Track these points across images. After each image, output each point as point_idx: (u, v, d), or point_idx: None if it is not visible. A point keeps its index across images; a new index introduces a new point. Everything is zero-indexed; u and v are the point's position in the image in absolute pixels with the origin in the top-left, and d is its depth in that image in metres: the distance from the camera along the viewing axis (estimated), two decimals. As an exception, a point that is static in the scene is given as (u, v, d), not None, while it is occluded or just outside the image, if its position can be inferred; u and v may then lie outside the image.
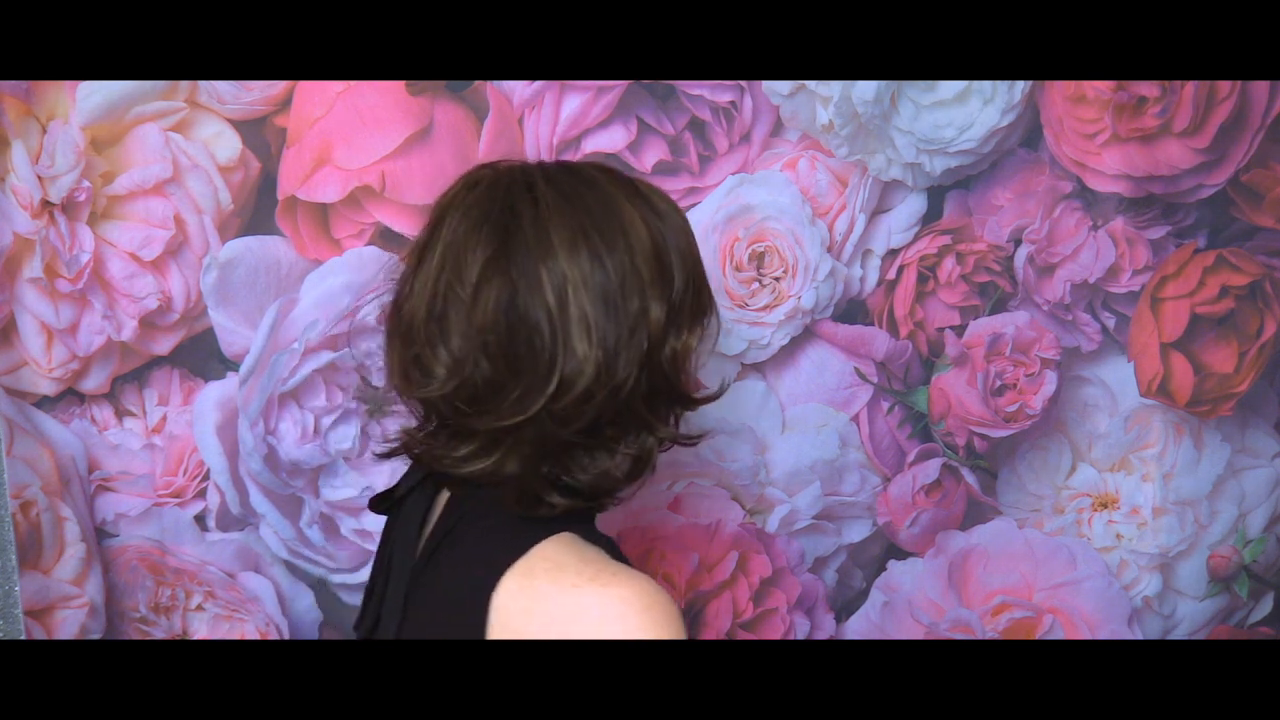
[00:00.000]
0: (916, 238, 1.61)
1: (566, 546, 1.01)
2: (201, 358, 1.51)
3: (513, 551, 1.00)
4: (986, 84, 1.58)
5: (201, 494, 1.52)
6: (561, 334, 0.99)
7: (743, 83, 1.55)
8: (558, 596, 0.98)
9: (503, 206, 1.02)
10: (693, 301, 1.05)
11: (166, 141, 1.46)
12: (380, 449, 1.14)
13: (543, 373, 0.99)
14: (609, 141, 1.53)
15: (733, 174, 1.57)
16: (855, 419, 1.63)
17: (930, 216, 1.62)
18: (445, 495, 1.10)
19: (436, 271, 1.02)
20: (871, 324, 1.62)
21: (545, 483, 1.03)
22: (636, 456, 1.05)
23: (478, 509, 1.05)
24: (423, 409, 1.07)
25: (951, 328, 1.64)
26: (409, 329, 1.03)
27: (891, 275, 1.62)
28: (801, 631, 1.64)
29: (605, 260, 1.01)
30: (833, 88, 1.55)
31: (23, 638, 1.41)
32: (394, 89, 1.48)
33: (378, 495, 1.16)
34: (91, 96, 1.43)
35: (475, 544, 1.03)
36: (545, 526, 1.02)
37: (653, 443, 1.05)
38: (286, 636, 1.54)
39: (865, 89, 1.55)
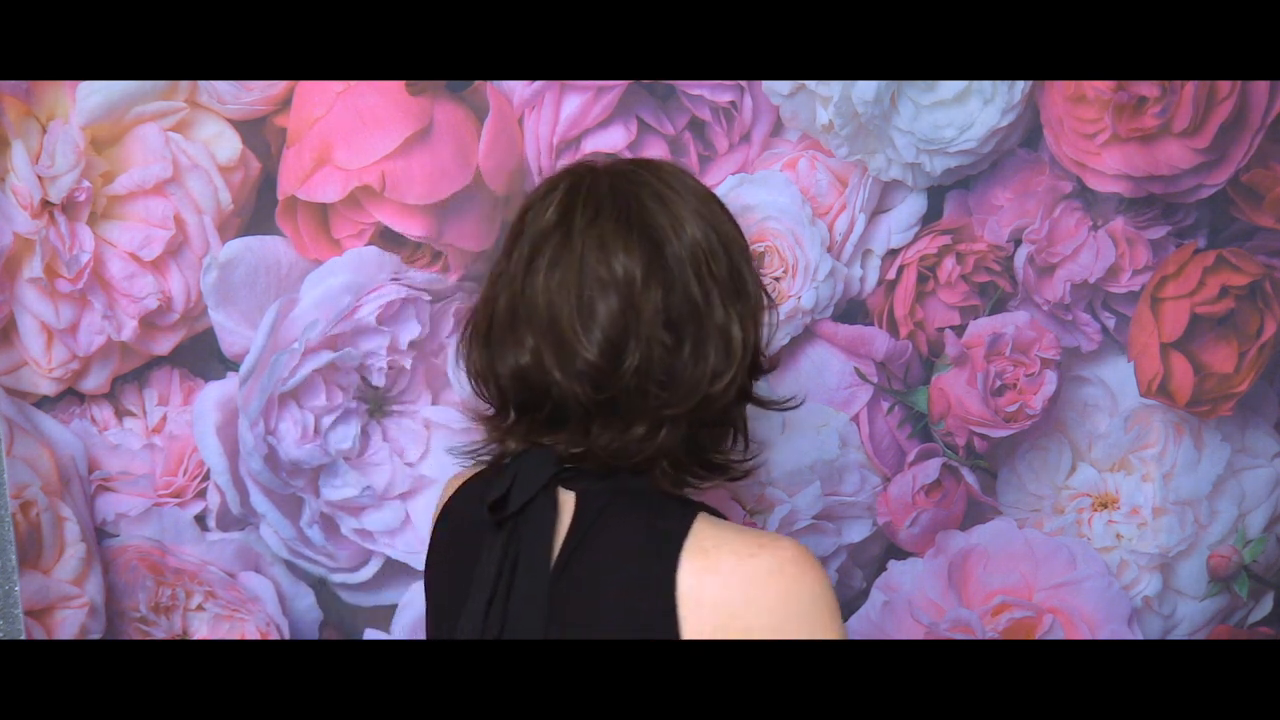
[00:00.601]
0: (916, 238, 1.61)
1: (713, 522, 1.07)
2: (201, 358, 1.51)
3: (679, 534, 1.04)
4: (986, 84, 1.58)
5: (202, 494, 1.52)
6: (713, 317, 1.07)
7: (743, 83, 1.55)
8: (739, 567, 1.03)
9: (630, 199, 1.08)
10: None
11: (166, 141, 1.46)
12: (466, 447, 1.18)
13: (706, 354, 1.06)
14: (609, 141, 1.53)
15: (733, 174, 1.57)
16: (855, 419, 1.63)
17: (930, 216, 1.62)
18: (567, 496, 1.10)
19: (579, 266, 1.06)
20: (871, 324, 1.62)
21: (694, 462, 1.10)
22: (745, 433, 1.15)
23: (618, 502, 1.08)
24: (552, 400, 1.08)
25: (951, 328, 1.64)
26: (551, 321, 1.06)
27: (891, 275, 1.62)
28: (801, 631, 1.64)
29: (730, 248, 1.09)
30: (833, 88, 1.55)
31: (23, 638, 1.41)
32: (394, 89, 1.48)
33: (494, 503, 1.11)
34: (91, 96, 1.43)
35: (633, 534, 1.06)
36: (686, 507, 1.08)
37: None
38: (286, 636, 1.54)
39: (865, 89, 1.55)
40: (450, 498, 1.22)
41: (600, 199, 1.08)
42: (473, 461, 1.20)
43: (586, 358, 1.05)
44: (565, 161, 1.52)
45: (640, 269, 1.05)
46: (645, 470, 1.09)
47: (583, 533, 1.08)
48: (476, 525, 1.13)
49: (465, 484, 1.21)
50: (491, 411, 1.15)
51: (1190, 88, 1.61)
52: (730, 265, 1.09)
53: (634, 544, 1.06)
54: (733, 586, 1.02)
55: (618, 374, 1.05)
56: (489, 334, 1.11)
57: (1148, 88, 1.60)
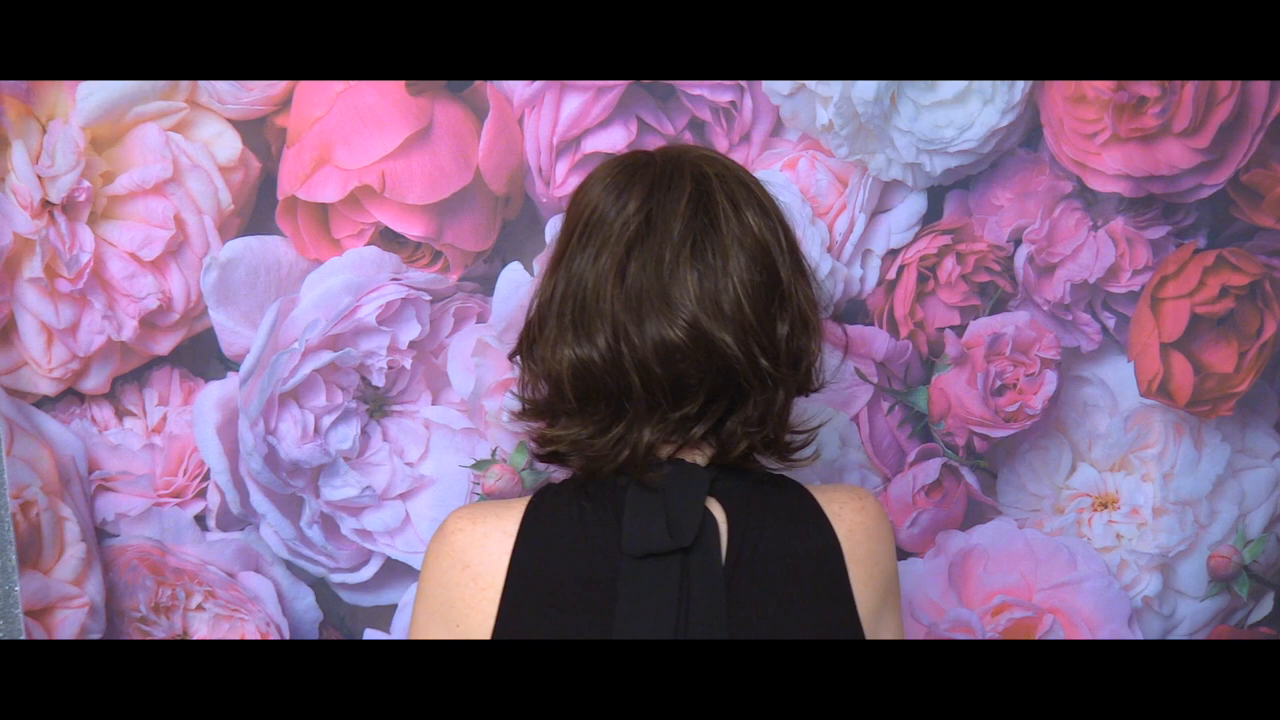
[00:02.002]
0: (916, 238, 1.61)
1: (815, 486, 1.18)
2: (201, 358, 1.51)
3: (815, 507, 1.15)
4: (986, 84, 1.58)
5: (202, 494, 1.52)
6: (796, 297, 1.14)
7: (743, 83, 1.55)
8: (864, 512, 1.17)
9: (753, 192, 1.14)
10: None
11: (166, 141, 1.46)
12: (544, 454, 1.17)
13: (797, 332, 1.13)
14: (609, 141, 1.53)
15: (733, 174, 1.57)
16: (855, 419, 1.63)
17: (930, 216, 1.62)
18: (712, 503, 1.12)
19: (749, 264, 1.09)
20: (871, 324, 1.62)
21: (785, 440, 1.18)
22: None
23: (755, 493, 1.13)
24: (699, 374, 1.09)
25: (951, 328, 1.64)
26: (744, 319, 1.09)
27: (891, 275, 1.62)
28: (801, 631, 1.64)
29: (790, 234, 1.17)
30: (833, 88, 1.55)
31: (23, 638, 1.41)
32: (394, 89, 1.48)
33: (678, 534, 1.10)
34: (91, 96, 1.43)
35: (787, 520, 1.14)
36: (790, 482, 1.17)
37: None
38: (286, 636, 1.54)
39: (865, 89, 1.55)
40: (530, 532, 1.12)
41: (717, 192, 1.12)
42: (543, 468, 1.19)
43: (747, 320, 1.09)
44: (565, 161, 1.52)
45: (791, 270, 1.13)
46: (749, 455, 1.14)
47: (741, 535, 1.11)
48: (603, 557, 1.09)
49: (545, 511, 1.13)
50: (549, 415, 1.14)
51: (1190, 88, 1.61)
52: (795, 249, 1.16)
53: (792, 529, 1.13)
54: (872, 532, 1.16)
55: (773, 343, 1.10)
56: (597, 319, 1.09)
57: (1148, 88, 1.60)
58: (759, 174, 1.56)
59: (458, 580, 1.12)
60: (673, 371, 1.08)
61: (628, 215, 1.10)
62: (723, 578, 1.09)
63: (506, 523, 1.13)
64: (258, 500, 1.52)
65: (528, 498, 1.15)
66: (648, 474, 1.11)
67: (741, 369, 1.08)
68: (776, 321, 1.11)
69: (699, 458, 1.14)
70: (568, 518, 1.12)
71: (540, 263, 1.53)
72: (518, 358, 1.20)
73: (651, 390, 1.08)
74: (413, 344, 1.53)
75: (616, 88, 1.52)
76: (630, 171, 1.14)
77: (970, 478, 1.67)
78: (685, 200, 1.10)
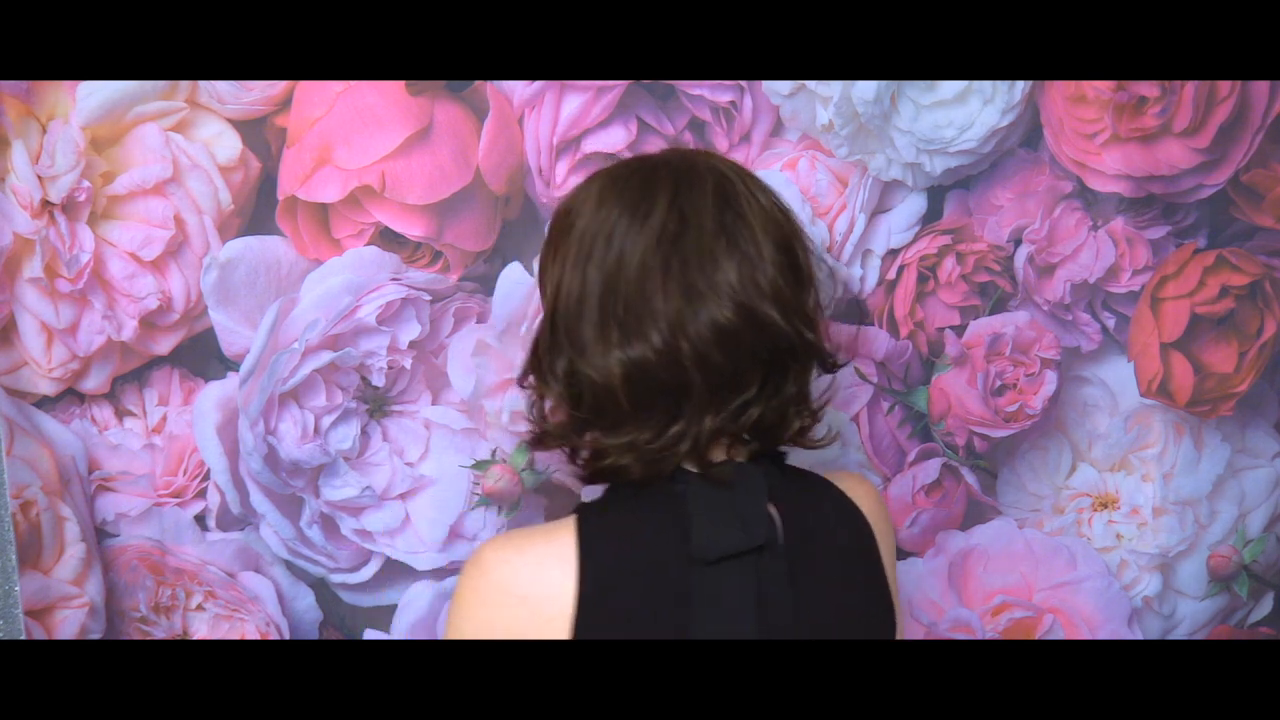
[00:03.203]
0: (916, 238, 1.61)
1: (826, 471, 1.22)
2: (201, 358, 1.51)
3: (841, 493, 1.20)
4: (986, 84, 1.58)
5: (202, 494, 1.52)
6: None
7: (743, 83, 1.55)
8: (872, 495, 1.22)
9: (758, 182, 1.16)
10: None
11: (166, 141, 1.46)
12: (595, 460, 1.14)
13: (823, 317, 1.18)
14: (609, 141, 1.53)
15: (733, 174, 1.56)
16: (855, 419, 1.63)
17: (930, 216, 1.62)
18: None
19: (775, 248, 1.11)
20: (871, 324, 1.62)
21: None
22: None
23: (795, 481, 1.17)
24: (755, 349, 1.10)
25: (951, 328, 1.64)
26: (783, 296, 1.10)
27: (891, 275, 1.62)
28: (801, 631, 1.64)
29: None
30: (833, 88, 1.55)
31: (23, 638, 1.41)
32: (394, 89, 1.48)
33: (752, 533, 1.10)
34: (91, 96, 1.43)
35: (830, 507, 1.18)
36: (808, 473, 1.21)
37: None
38: (286, 636, 1.54)
39: (865, 89, 1.55)
40: (593, 552, 1.08)
41: (735, 184, 1.14)
42: (577, 469, 1.15)
43: (785, 297, 1.10)
44: (565, 161, 1.52)
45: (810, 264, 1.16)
46: (802, 434, 1.17)
47: (795, 528, 1.12)
48: (673, 568, 1.08)
49: (601, 529, 1.10)
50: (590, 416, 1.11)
51: (1190, 88, 1.61)
52: (800, 228, 1.19)
53: (833, 518, 1.17)
54: (883, 517, 1.22)
55: (808, 316, 1.13)
56: (647, 318, 1.08)
57: (1148, 88, 1.60)
58: (758, 174, 1.56)
59: (515, 615, 1.07)
60: (730, 355, 1.08)
61: (661, 214, 1.09)
62: (787, 572, 1.10)
63: (559, 547, 1.08)
64: (258, 500, 1.52)
65: (570, 520, 1.11)
66: (714, 469, 1.10)
67: (788, 343, 1.10)
68: (805, 297, 1.13)
69: (742, 455, 1.14)
70: (628, 532, 1.09)
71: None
72: (529, 379, 1.15)
73: (710, 378, 1.07)
74: (413, 344, 1.53)
75: (616, 88, 1.52)
76: (645, 174, 1.14)
77: (970, 478, 1.67)
78: (711, 196, 1.11)
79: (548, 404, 1.15)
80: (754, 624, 1.07)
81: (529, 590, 1.07)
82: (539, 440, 1.16)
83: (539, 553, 1.08)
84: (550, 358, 1.12)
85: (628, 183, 1.13)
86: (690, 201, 1.10)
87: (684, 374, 1.07)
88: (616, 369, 1.07)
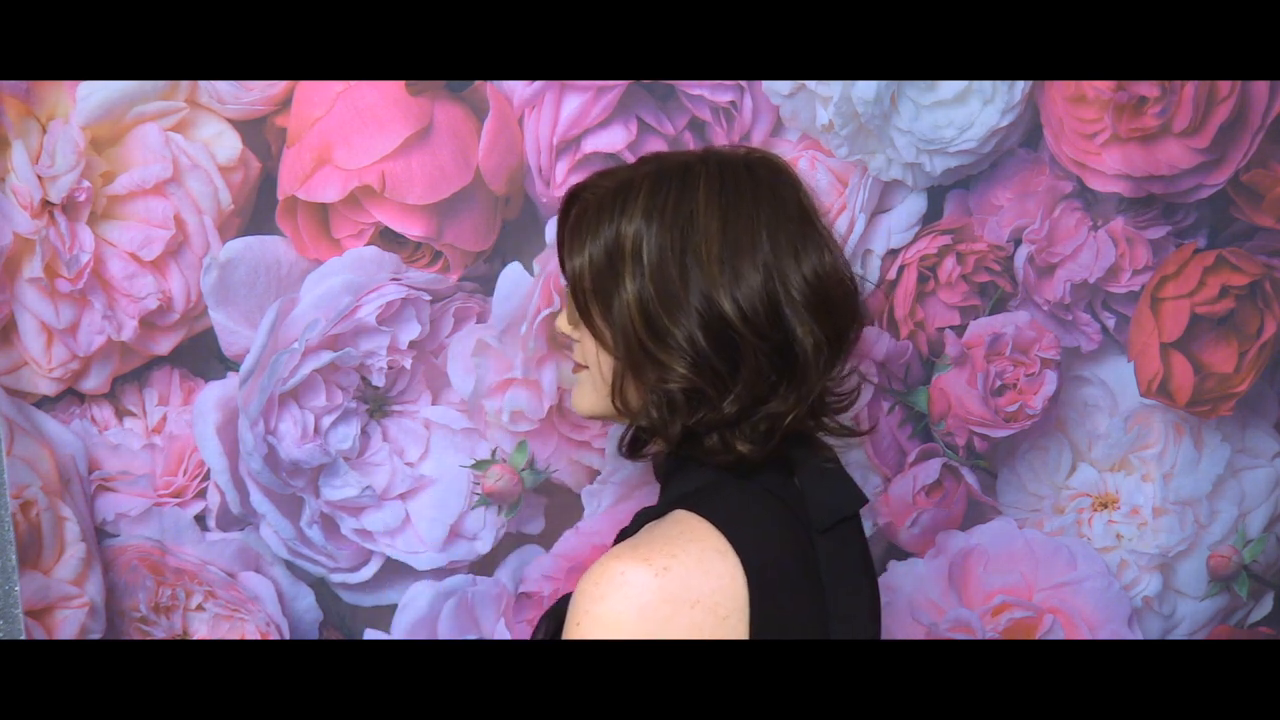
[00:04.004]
0: (916, 238, 1.61)
1: None
2: (201, 358, 1.51)
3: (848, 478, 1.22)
4: (986, 84, 1.58)
5: (202, 494, 1.52)
6: None
7: (743, 83, 1.55)
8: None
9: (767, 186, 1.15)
10: None
11: (166, 141, 1.46)
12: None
13: None
14: (609, 141, 1.53)
15: (733, 174, 1.56)
16: (855, 419, 1.63)
17: (930, 216, 1.62)
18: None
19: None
20: (872, 324, 1.62)
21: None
22: None
23: (822, 465, 1.16)
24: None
25: (951, 328, 1.64)
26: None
27: (891, 275, 1.62)
28: (801, 631, 1.64)
29: None
30: (833, 88, 1.55)
31: (23, 638, 1.41)
32: (394, 89, 1.48)
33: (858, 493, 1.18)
34: (91, 96, 1.43)
35: (844, 489, 1.18)
36: None
37: None
38: (286, 636, 1.54)
39: (865, 89, 1.55)
40: (743, 542, 1.05)
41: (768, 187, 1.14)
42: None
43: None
44: (565, 161, 1.52)
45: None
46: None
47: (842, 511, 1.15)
48: (800, 540, 1.10)
49: (737, 517, 1.07)
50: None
51: (1190, 88, 1.61)
52: None
53: (852, 497, 1.18)
54: None
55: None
56: (749, 265, 1.10)
57: (1148, 88, 1.60)
58: (759, 174, 1.56)
59: (688, 619, 1.01)
60: (837, 298, 1.14)
61: (751, 192, 1.10)
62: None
63: (709, 544, 1.04)
64: (258, 500, 1.52)
65: (689, 516, 1.06)
66: (804, 440, 1.14)
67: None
68: None
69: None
70: (751, 516, 1.07)
71: (541, 263, 1.53)
72: (651, 377, 1.09)
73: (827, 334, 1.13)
74: (413, 344, 1.53)
75: (616, 88, 1.52)
76: (717, 172, 1.12)
77: (970, 478, 1.67)
78: (765, 183, 1.13)
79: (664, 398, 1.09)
80: (869, 586, 1.16)
81: (701, 594, 1.02)
82: (688, 435, 1.09)
83: (692, 554, 1.03)
84: (661, 337, 1.07)
85: (712, 183, 1.11)
86: (754, 183, 1.14)
87: (796, 319, 1.10)
88: (747, 294, 1.07)
